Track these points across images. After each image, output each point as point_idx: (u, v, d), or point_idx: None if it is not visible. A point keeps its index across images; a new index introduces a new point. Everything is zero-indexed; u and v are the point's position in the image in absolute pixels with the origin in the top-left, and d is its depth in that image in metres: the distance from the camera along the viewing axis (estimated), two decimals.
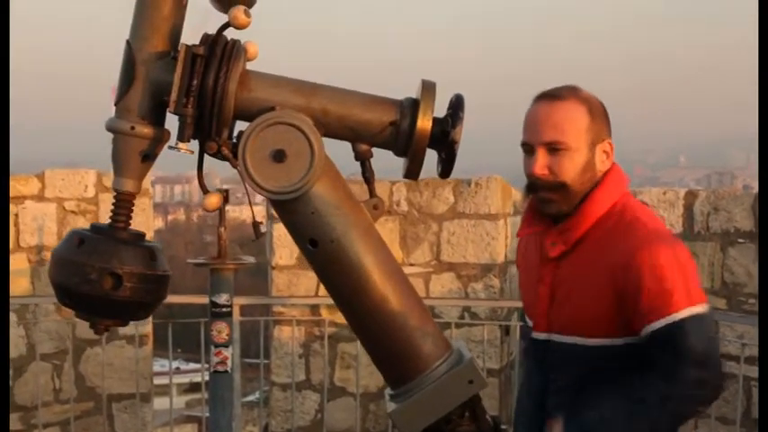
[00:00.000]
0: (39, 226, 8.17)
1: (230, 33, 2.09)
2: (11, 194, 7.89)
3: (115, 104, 2.11)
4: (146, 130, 2.08)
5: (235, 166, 2.05)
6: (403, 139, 2.13)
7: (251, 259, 5.81)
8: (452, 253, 7.95)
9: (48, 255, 8.13)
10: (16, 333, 7.84)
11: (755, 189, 8.98)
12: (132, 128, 2.07)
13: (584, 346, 2.72)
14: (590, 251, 2.72)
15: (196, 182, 2.21)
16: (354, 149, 2.20)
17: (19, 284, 7.85)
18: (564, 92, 2.73)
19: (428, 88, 2.15)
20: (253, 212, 2.28)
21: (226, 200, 6.10)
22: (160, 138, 2.11)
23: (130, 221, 2.16)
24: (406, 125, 2.12)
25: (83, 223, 8.26)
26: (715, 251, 7.84)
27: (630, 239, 2.66)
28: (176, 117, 2.05)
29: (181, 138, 2.03)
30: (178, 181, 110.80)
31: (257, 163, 2.03)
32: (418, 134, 2.10)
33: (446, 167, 2.20)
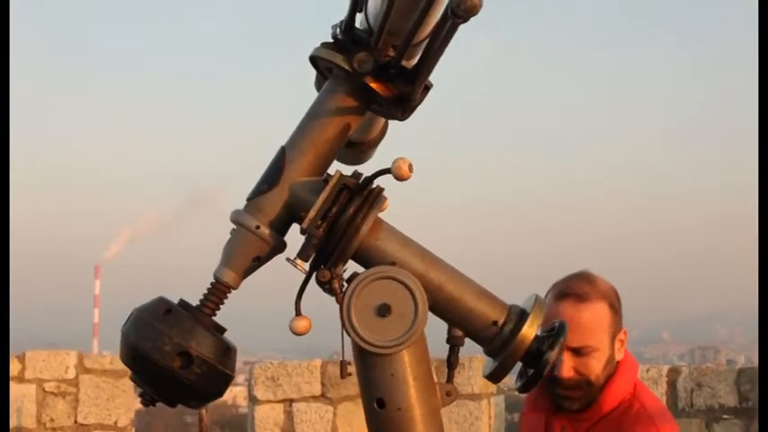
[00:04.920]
0: (17, 408, 8.05)
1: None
2: None
3: (248, 199, 2.13)
4: (268, 234, 2.09)
5: (338, 302, 2.04)
6: (500, 342, 2.13)
7: None
8: None
9: None
10: None
11: (739, 364, 8.97)
12: (257, 227, 2.08)
13: None
14: None
15: None
16: (449, 332, 2.19)
17: None
18: (586, 288, 2.75)
19: (540, 304, 2.18)
20: (343, 349, 2.23)
21: None
22: (278, 247, 2.12)
23: (217, 312, 2.13)
24: (508, 330, 2.12)
25: (62, 406, 8.15)
26: (700, 428, 7.78)
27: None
28: (300, 233, 2.05)
29: (301, 255, 2.04)
30: None
31: (361, 308, 2.03)
32: (518, 342, 2.10)
33: (528, 384, 2.21)
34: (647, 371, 8.10)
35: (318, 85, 2.24)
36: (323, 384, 8.63)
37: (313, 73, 2.27)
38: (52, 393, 8.15)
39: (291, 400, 8.37)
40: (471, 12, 1.73)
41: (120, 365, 8.85)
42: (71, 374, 8.24)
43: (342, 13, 2.11)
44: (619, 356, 2.78)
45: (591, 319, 2.71)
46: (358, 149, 2.35)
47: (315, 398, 8.42)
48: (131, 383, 8.41)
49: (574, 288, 2.76)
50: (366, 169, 2.09)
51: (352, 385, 9.21)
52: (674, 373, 8.05)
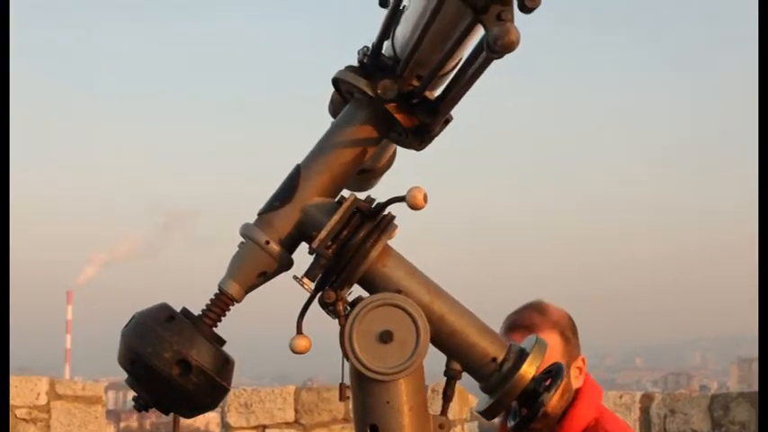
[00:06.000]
0: None
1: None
2: None
3: (259, 213, 2.12)
4: (277, 250, 2.09)
5: (341, 324, 2.03)
6: (497, 379, 2.12)
7: None
8: None
9: None
10: None
11: (712, 390, 9.03)
12: (267, 242, 2.07)
13: None
14: None
15: None
16: (447, 365, 2.18)
17: None
18: (536, 320, 2.77)
19: (541, 345, 2.18)
20: (342, 372, 2.21)
21: None
22: (285, 264, 2.11)
23: (218, 323, 2.11)
24: (506, 368, 2.11)
25: None
26: None
27: None
28: (309, 253, 2.05)
29: (308, 274, 2.03)
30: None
31: (363, 334, 2.02)
32: (515, 381, 2.10)
33: (522, 424, 2.21)
34: (621, 397, 8.12)
35: (333, 108, 2.24)
36: (296, 411, 8.60)
37: (324, 96, 2.23)
38: (23, 420, 8.08)
39: (264, 427, 8.33)
40: (509, 48, 1.67)
41: (93, 392, 8.79)
42: (42, 400, 8.17)
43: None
44: (577, 384, 2.80)
45: None
46: (366, 176, 2.34)
47: (288, 424, 8.38)
48: (103, 410, 8.38)
49: (524, 320, 2.78)
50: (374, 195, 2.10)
51: (326, 412, 9.19)
52: (647, 399, 8.08)
